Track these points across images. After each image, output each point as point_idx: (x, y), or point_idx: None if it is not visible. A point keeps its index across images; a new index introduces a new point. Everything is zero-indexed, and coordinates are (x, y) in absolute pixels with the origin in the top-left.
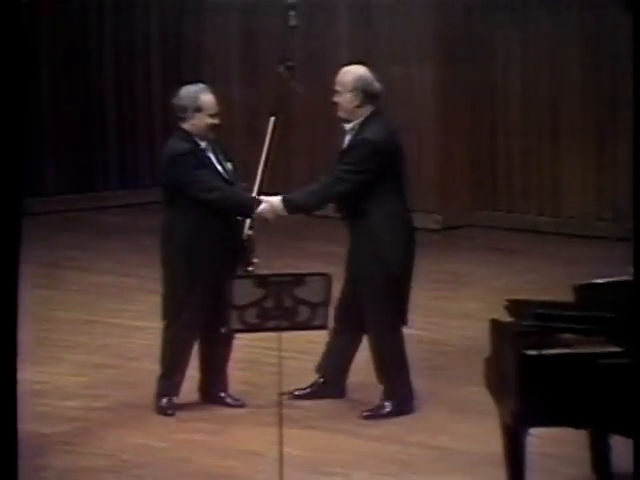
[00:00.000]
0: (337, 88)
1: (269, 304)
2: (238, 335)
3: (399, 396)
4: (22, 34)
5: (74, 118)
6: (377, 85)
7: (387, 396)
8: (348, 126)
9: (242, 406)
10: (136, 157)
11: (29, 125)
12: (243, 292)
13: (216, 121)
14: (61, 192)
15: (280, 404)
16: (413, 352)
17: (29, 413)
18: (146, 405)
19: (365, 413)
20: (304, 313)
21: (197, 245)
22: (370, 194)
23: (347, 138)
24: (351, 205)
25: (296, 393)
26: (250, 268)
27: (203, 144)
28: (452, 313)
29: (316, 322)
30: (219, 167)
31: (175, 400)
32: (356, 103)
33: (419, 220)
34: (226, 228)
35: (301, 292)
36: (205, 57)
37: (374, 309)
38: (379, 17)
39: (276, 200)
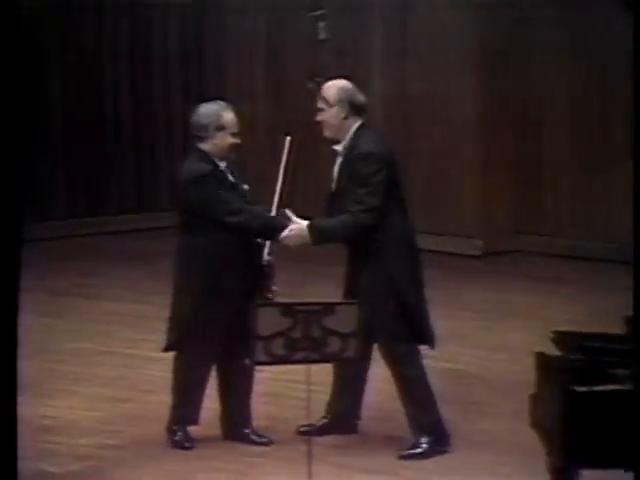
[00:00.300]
0: (320, 106)
1: (296, 334)
2: (262, 367)
3: (434, 432)
4: (15, 50)
5: (87, 137)
6: (362, 97)
7: (420, 431)
8: (339, 147)
9: (268, 444)
10: (154, 179)
11: (40, 144)
12: (268, 321)
13: (238, 141)
14: (73, 216)
15: (309, 441)
16: (453, 387)
17: (37, 450)
18: (164, 442)
19: (402, 453)
20: (333, 344)
21: (217, 271)
22: None
23: (339, 160)
24: None
25: (301, 429)
26: (269, 295)
27: (222, 165)
28: (495, 345)
29: (347, 354)
30: (238, 189)
31: (191, 432)
32: (342, 115)
33: (457, 245)
34: (247, 253)
35: (330, 322)
36: (228, 73)
37: (388, 334)
38: (415, 30)
39: (303, 225)
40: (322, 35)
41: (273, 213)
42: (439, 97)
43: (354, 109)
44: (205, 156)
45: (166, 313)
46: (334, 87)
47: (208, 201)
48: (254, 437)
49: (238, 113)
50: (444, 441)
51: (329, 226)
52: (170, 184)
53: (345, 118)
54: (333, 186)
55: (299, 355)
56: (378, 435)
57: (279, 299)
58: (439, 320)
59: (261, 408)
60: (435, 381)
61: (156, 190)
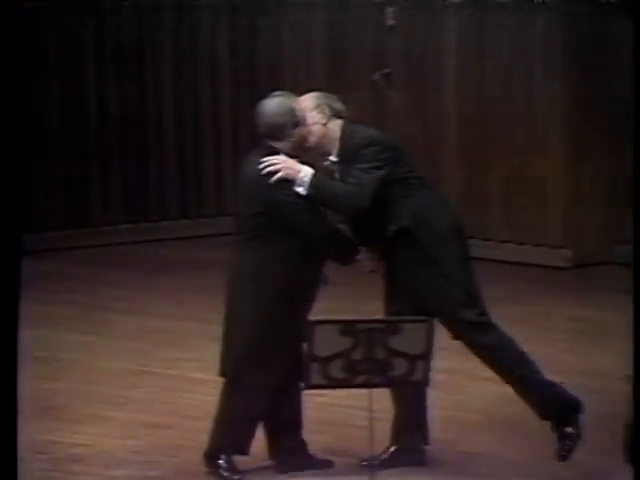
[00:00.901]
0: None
1: (358, 356)
2: (319, 392)
3: (565, 408)
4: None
5: (125, 136)
6: (340, 104)
7: (550, 412)
8: (333, 157)
9: (330, 466)
10: (200, 183)
11: (70, 144)
12: (326, 341)
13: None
14: (109, 222)
15: (372, 475)
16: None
17: None
18: (209, 473)
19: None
20: (400, 367)
21: (290, 288)
22: (403, 202)
23: (338, 170)
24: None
25: (363, 463)
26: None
27: None
28: (585, 370)
29: (415, 378)
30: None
31: (236, 461)
32: (324, 121)
33: (543, 256)
34: (318, 268)
35: (396, 342)
36: (283, 65)
37: (448, 308)
38: (494, 17)
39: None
40: (390, 21)
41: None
42: (520, 96)
43: (334, 113)
44: (274, 153)
45: (214, 331)
46: (308, 97)
47: (293, 207)
48: (312, 461)
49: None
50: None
51: (328, 185)
52: (217, 189)
53: (327, 122)
54: None
55: (360, 379)
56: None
57: (337, 316)
58: (522, 342)
59: (317, 438)
60: (517, 411)
61: (201, 195)
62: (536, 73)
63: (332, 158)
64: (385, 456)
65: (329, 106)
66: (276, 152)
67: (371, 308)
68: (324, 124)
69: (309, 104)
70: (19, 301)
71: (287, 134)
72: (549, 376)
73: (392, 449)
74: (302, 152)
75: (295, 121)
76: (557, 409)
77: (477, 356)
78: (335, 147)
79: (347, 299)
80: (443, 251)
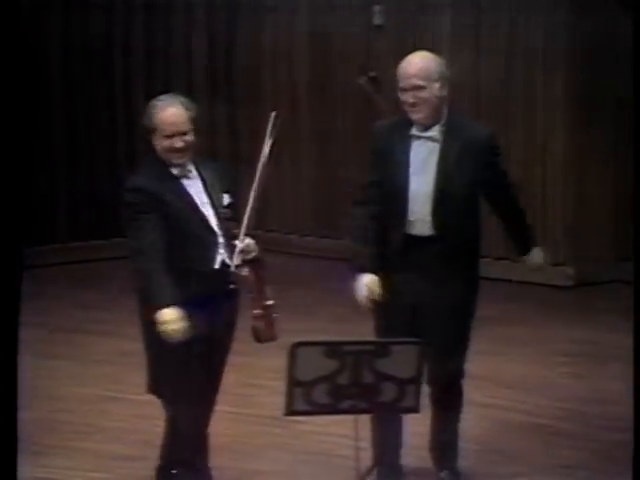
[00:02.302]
0: (416, 83)
1: (344, 380)
2: (302, 418)
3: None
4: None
5: (93, 146)
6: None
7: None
8: (433, 132)
9: None
10: None
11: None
12: (310, 364)
13: (177, 144)
14: (77, 238)
15: None
16: (538, 445)
17: None
18: None
19: None
20: (389, 392)
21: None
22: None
23: (427, 148)
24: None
25: None
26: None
27: (176, 171)
28: (589, 397)
29: (405, 403)
30: (200, 199)
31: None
32: (445, 93)
33: (545, 275)
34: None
35: (385, 365)
36: (263, 68)
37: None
38: (490, 14)
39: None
40: (377, 21)
41: (240, 237)
42: (520, 97)
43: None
44: (153, 160)
45: None
46: (432, 60)
47: (129, 224)
48: None
49: (192, 110)
50: None
51: None
52: None
53: (444, 97)
54: (429, 184)
55: (346, 404)
56: None
57: (320, 337)
58: (521, 365)
59: (301, 469)
60: (516, 437)
61: None
62: (537, 74)
63: (432, 133)
64: (372, 477)
65: (448, 78)
66: (153, 156)
67: (358, 329)
68: (443, 96)
69: (433, 71)
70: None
71: (151, 138)
72: (553, 402)
73: (377, 469)
74: (169, 160)
75: (151, 126)
76: None
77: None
78: (441, 123)
79: (331, 319)
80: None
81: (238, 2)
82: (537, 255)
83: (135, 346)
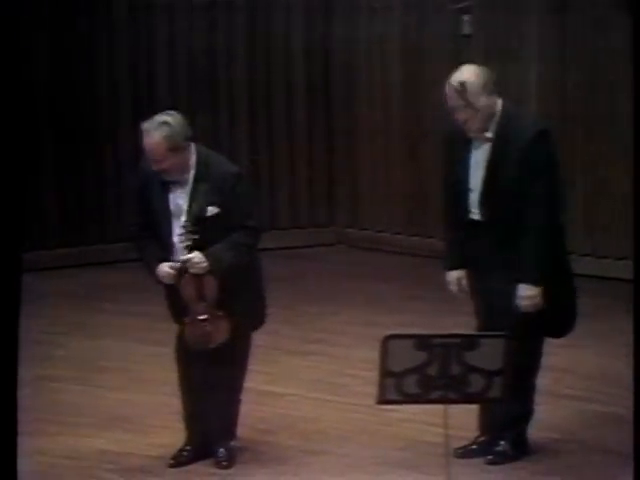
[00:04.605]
0: (456, 103)
1: (433, 371)
2: (393, 407)
3: None
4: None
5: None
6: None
7: None
8: (489, 133)
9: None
10: None
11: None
12: (401, 356)
13: (154, 167)
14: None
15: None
16: (616, 434)
17: None
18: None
19: None
20: (476, 383)
21: None
22: None
23: (481, 148)
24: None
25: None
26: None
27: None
28: None
29: (491, 394)
30: (177, 206)
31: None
32: (492, 102)
33: (605, 268)
34: None
35: (473, 357)
36: (357, 74)
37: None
38: (574, 24)
39: None
40: (465, 30)
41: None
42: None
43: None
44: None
45: (288, 344)
46: (472, 75)
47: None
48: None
49: (174, 135)
50: None
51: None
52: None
53: (492, 104)
54: (475, 181)
55: (435, 394)
56: None
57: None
58: (600, 357)
59: (393, 454)
60: (594, 426)
61: None
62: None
63: (488, 134)
64: (475, 447)
65: (493, 82)
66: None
67: (448, 323)
68: (492, 104)
69: (476, 88)
70: (19, 317)
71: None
72: (625, 391)
73: (481, 439)
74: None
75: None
76: None
77: None
78: (494, 123)
79: (420, 314)
80: None
81: (333, 8)
82: (523, 292)
83: None
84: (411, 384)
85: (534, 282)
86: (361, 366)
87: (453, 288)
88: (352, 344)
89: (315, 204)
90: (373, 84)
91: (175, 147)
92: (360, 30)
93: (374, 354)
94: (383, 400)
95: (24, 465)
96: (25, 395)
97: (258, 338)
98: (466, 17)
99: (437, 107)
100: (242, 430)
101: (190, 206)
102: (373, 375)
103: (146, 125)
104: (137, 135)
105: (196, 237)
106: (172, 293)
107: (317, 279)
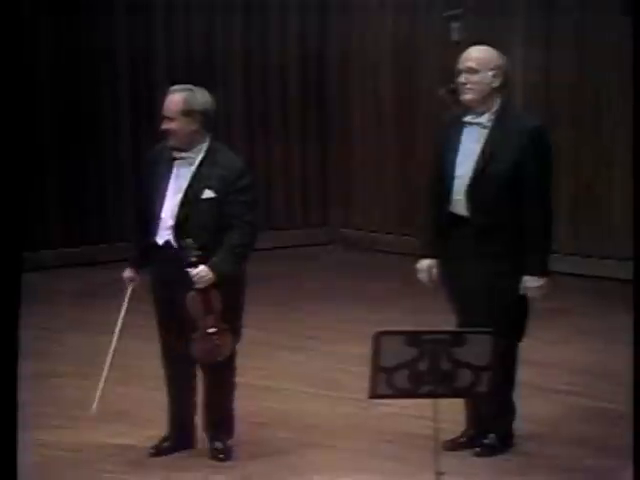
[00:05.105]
0: (468, 65)
1: (423, 366)
2: (384, 401)
3: None
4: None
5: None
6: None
7: None
8: (482, 118)
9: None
10: None
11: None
12: (393, 351)
13: (162, 126)
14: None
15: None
16: (608, 429)
17: None
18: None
19: None
20: (464, 378)
21: None
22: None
23: (476, 133)
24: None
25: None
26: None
27: (175, 153)
28: None
29: (479, 389)
30: (177, 184)
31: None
32: (498, 82)
33: (607, 269)
34: None
35: (461, 353)
36: (350, 75)
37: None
38: (563, 28)
39: None
40: (455, 36)
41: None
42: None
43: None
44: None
45: (282, 340)
46: (491, 52)
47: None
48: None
49: (196, 103)
50: None
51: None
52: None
53: (498, 85)
54: (463, 169)
55: (425, 389)
56: None
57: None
58: (591, 353)
59: (384, 446)
60: (585, 421)
61: None
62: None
63: (482, 120)
64: (463, 439)
65: (505, 69)
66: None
67: (438, 319)
68: (496, 86)
69: (486, 60)
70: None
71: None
72: (616, 386)
73: (470, 432)
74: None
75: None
76: None
77: None
78: (492, 111)
79: (409, 311)
80: None
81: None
82: (530, 283)
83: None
84: (402, 379)
85: (541, 273)
86: (353, 361)
87: (423, 277)
88: (345, 340)
89: (310, 204)
90: (367, 85)
91: (189, 112)
92: (354, 31)
93: (366, 350)
94: (375, 395)
95: (25, 458)
96: (26, 388)
97: (254, 335)
98: (455, 24)
99: (430, 114)
100: (238, 424)
101: (191, 185)
102: (365, 370)
103: (174, 87)
104: (137, 136)
105: (200, 253)
106: (169, 313)
107: (311, 278)
